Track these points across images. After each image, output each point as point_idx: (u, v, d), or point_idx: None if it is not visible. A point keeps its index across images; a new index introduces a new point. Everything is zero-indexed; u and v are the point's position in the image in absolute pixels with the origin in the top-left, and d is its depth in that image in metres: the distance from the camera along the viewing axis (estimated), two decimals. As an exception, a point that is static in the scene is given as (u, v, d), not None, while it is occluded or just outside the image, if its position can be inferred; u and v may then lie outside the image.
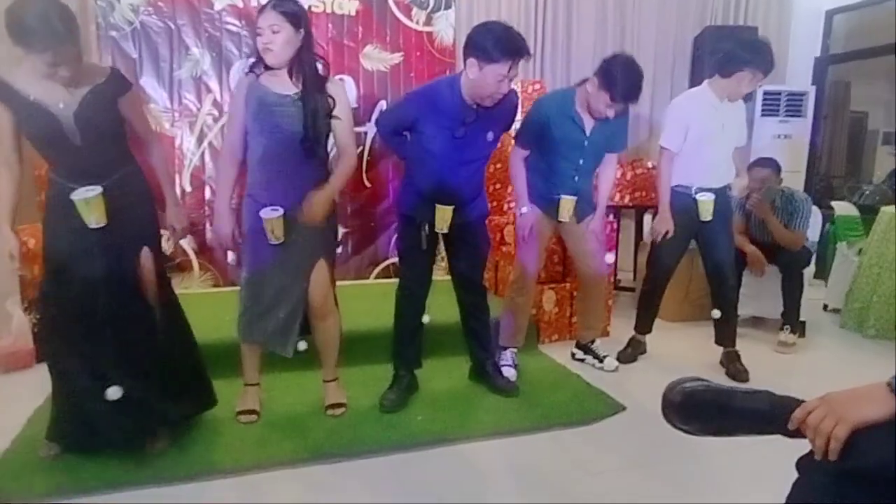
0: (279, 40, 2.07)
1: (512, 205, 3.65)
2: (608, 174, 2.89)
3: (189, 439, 2.24)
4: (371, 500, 1.95)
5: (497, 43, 2.18)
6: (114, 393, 1.99)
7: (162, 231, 2.20)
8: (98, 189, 1.92)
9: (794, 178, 4.40)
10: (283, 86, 2.15)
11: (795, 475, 1.05)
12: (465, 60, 2.28)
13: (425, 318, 2.62)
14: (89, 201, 1.90)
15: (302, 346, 2.33)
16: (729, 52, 2.78)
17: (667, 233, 2.91)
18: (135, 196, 2.06)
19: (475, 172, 2.52)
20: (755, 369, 2.95)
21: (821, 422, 0.96)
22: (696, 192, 2.87)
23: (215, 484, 2.01)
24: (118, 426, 2.05)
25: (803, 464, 1.04)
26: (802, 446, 1.02)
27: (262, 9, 2.09)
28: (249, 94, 2.14)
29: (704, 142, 2.83)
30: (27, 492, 1.92)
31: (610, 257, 2.97)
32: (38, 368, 2.83)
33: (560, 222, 2.80)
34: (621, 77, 2.49)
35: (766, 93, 4.38)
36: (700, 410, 1.16)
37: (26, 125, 1.91)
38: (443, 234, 2.51)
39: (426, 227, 2.46)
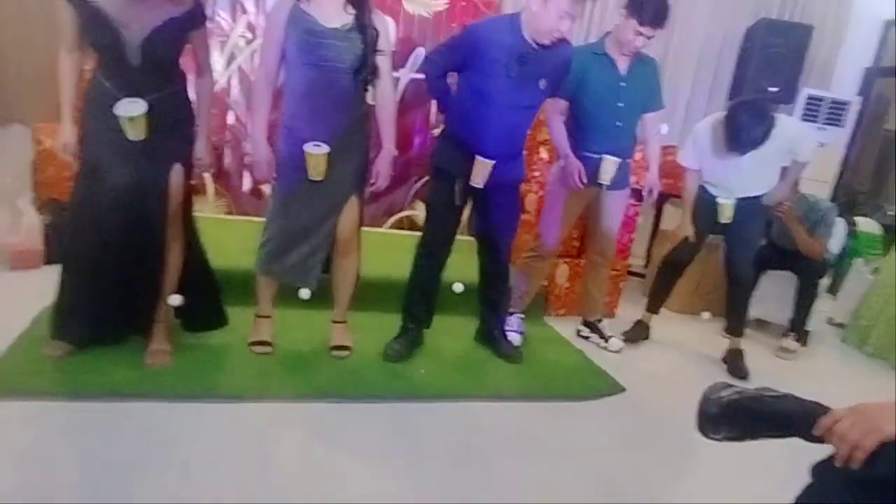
0: None
1: (536, 173, 3.60)
2: (653, 136, 2.87)
3: (194, 361, 2.25)
4: (368, 443, 1.97)
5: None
6: (174, 300, 2.08)
7: None
8: (142, 107, 1.88)
9: (820, 189, 4.32)
10: (332, 15, 2.05)
11: (784, 463, 1.05)
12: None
13: (458, 287, 2.58)
14: (133, 119, 1.87)
15: (305, 294, 2.32)
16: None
17: (686, 238, 2.99)
18: (176, 114, 2.02)
19: (521, 123, 2.43)
20: (755, 370, 2.97)
21: (849, 431, 0.96)
22: (718, 196, 2.89)
23: (213, 407, 2.02)
24: (124, 323, 2.12)
25: (819, 470, 1.04)
26: (798, 442, 1.04)
27: None
28: (292, 21, 2.02)
29: (721, 169, 2.83)
30: (28, 390, 1.93)
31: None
32: (46, 269, 2.82)
33: (599, 185, 2.72)
34: (648, 1, 2.48)
35: (809, 97, 4.27)
36: (734, 419, 1.16)
37: (89, 32, 1.86)
38: (473, 195, 2.46)
39: (460, 182, 2.40)
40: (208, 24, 3.38)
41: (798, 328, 3.37)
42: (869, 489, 0.95)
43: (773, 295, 3.48)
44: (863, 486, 0.96)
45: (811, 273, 3.33)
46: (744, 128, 2.58)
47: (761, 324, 3.63)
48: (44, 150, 3.00)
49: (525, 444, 2.12)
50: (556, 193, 2.83)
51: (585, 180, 2.67)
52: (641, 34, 2.54)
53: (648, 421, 2.37)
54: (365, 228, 3.60)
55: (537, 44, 2.26)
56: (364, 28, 2.06)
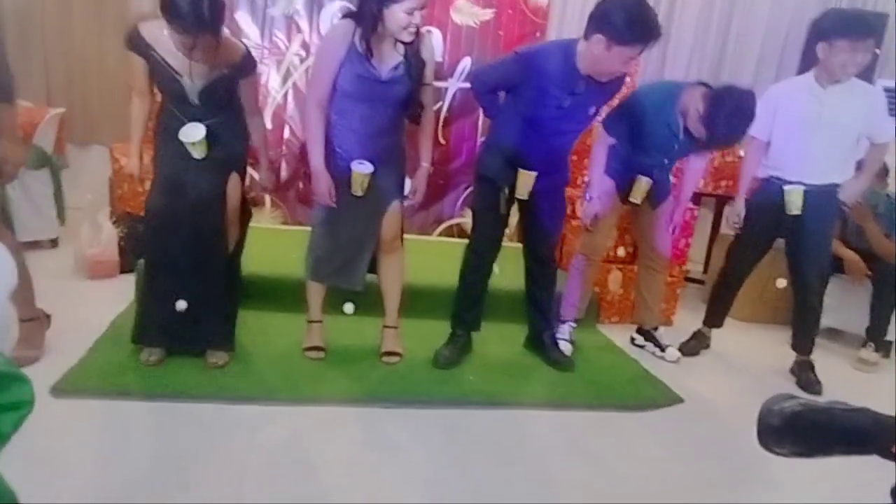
0: (420, 20, 2.04)
1: (587, 179, 3.54)
2: (697, 167, 2.79)
3: (253, 365, 2.34)
4: (418, 448, 1.99)
5: (632, 24, 2.05)
6: (180, 306, 2.18)
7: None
8: (202, 132, 2.09)
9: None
10: (385, 57, 2.13)
11: (856, 482, 0.96)
12: (588, 33, 2.14)
13: (495, 268, 2.58)
14: (195, 143, 2.09)
15: (349, 308, 2.42)
16: (817, 23, 2.54)
17: (741, 225, 2.81)
18: (232, 134, 2.22)
19: (567, 144, 2.45)
20: (829, 384, 2.77)
21: None
22: (786, 184, 2.66)
23: (271, 409, 2.09)
24: (192, 332, 2.24)
25: None
26: (874, 460, 0.95)
27: None
28: (348, 62, 2.10)
29: (797, 130, 2.60)
30: (105, 389, 2.07)
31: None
32: (122, 278, 3.01)
33: (631, 203, 2.70)
34: (725, 122, 2.29)
35: (885, 89, 3.99)
36: (799, 432, 1.07)
37: (156, 77, 2.12)
38: (519, 200, 2.46)
39: (506, 191, 2.41)
40: (266, 45, 3.60)
41: (877, 337, 3.13)
42: None
43: (850, 303, 3.25)
44: None
45: (888, 276, 3.09)
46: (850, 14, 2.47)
47: (834, 333, 3.39)
48: (120, 169, 3.22)
49: (576, 452, 2.08)
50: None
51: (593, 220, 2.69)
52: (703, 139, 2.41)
53: (707, 433, 2.27)
54: (415, 236, 3.72)
55: (592, 78, 2.23)
56: (412, 68, 2.15)
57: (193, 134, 2.08)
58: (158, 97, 2.22)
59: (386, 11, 2.00)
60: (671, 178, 2.81)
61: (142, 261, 2.43)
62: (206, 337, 2.29)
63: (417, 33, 2.10)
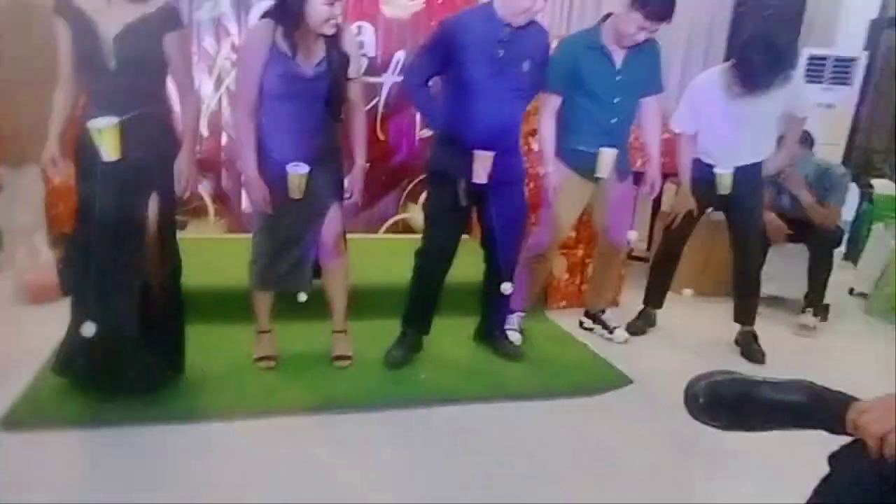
0: (341, 11, 2.02)
1: (529, 167, 3.54)
2: (652, 124, 2.71)
3: (202, 381, 2.30)
4: (374, 452, 2.00)
5: None
6: (87, 329, 2.00)
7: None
8: (114, 120, 1.90)
9: (831, 151, 4.17)
10: (307, 53, 2.10)
11: (800, 455, 0.99)
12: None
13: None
14: (102, 130, 1.89)
15: (302, 297, 2.33)
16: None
17: (689, 212, 2.86)
18: (155, 138, 2.03)
19: (512, 110, 2.39)
20: (773, 352, 2.87)
21: (874, 425, 0.89)
22: (715, 167, 2.75)
23: (226, 426, 2.08)
24: (96, 358, 2.10)
25: (836, 460, 1.00)
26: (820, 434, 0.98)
27: None
28: (271, 61, 2.07)
29: (719, 125, 2.71)
30: (52, 418, 2.03)
31: (633, 234, 2.80)
32: (63, 302, 2.89)
33: (597, 180, 2.63)
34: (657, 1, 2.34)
35: (811, 57, 4.12)
36: (726, 405, 1.09)
37: (76, 41, 1.92)
38: (478, 196, 2.41)
39: (463, 182, 2.36)
40: (195, 50, 3.49)
41: (815, 303, 3.24)
42: (888, 479, 0.90)
43: (789, 270, 3.36)
44: (881, 477, 0.91)
45: (824, 243, 3.21)
46: (761, 64, 2.43)
47: (776, 301, 3.50)
48: (54, 188, 3.11)
49: (532, 442, 2.11)
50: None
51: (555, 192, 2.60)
52: (645, 28, 2.40)
53: (659, 412, 2.31)
54: (360, 235, 3.69)
55: (513, 26, 2.25)
56: (335, 63, 2.12)
57: (102, 121, 1.87)
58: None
59: (306, 5, 1.98)
60: (627, 150, 2.75)
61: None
62: (122, 364, 2.15)
63: (338, 26, 2.09)
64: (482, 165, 2.31)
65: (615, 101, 2.57)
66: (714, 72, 2.76)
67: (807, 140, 3.15)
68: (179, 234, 2.29)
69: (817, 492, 1.01)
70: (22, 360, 2.30)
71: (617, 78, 2.55)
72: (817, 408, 1.02)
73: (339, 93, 2.17)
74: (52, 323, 2.55)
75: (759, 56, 2.46)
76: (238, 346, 2.52)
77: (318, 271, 2.39)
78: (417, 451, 2.02)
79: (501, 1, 2.25)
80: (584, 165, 2.60)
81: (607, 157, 2.55)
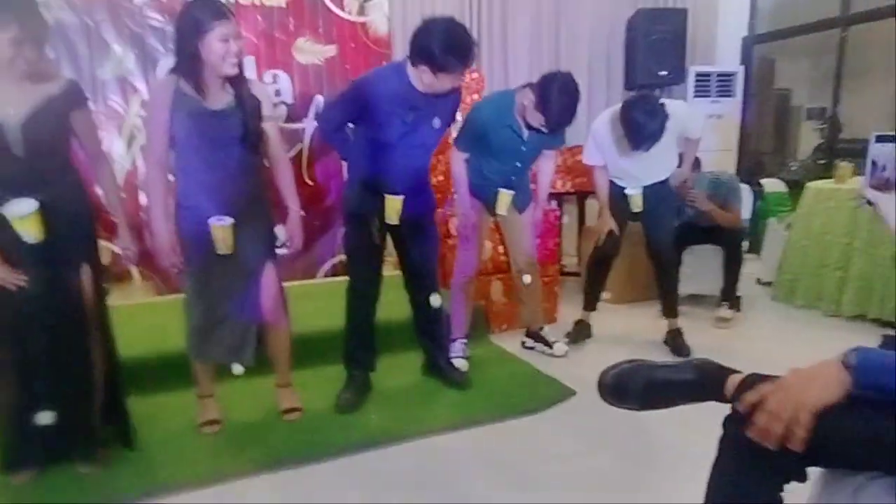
0: (238, 49, 2.00)
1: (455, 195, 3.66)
2: (547, 169, 2.99)
3: (146, 455, 2.19)
4: (336, 502, 1.96)
5: (448, 50, 2.15)
6: (44, 418, 1.92)
7: (103, 244, 2.11)
8: (34, 205, 1.80)
9: (726, 157, 4.59)
10: (213, 95, 2.06)
11: None
12: (413, 61, 2.23)
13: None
14: (24, 218, 1.79)
15: (238, 370, 2.27)
16: None
17: (611, 231, 3.09)
18: (74, 210, 1.95)
19: (422, 160, 2.51)
20: (696, 345, 3.10)
21: (777, 409, 0.96)
22: (626, 188, 3.01)
23: (173, 501, 1.97)
24: (53, 446, 2.01)
25: (727, 421, 1.10)
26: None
27: (223, 14, 1.96)
28: (176, 105, 2.02)
29: (621, 160, 2.96)
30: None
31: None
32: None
33: (499, 214, 2.86)
34: (557, 101, 2.50)
35: (697, 74, 4.53)
36: (631, 388, 1.23)
37: None
38: (391, 232, 2.51)
39: (376, 222, 2.44)
40: (101, 110, 3.38)
41: (729, 296, 3.54)
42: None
43: (703, 269, 3.64)
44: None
45: (733, 241, 3.51)
46: (641, 126, 2.67)
47: (696, 298, 3.78)
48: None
49: (488, 466, 2.15)
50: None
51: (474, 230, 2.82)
52: (546, 127, 2.60)
53: (603, 419, 2.38)
54: (299, 281, 3.66)
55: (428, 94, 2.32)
56: (244, 103, 2.09)
57: (22, 208, 1.78)
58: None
59: (201, 45, 1.96)
60: (531, 185, 3.00)
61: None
62: (78, 448, 2.07)
63: (241, 70, 2.07)
64: (393, 208, 2.40)
65: (517, 165, 2.81)
66: (607, 119, 2.97)
67: (696, 163, 3.43)
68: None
69: (718, 452, 1.11)
70: None
71: (522, 148, 2.76)
72: (706, 382, 1.18)
73: (253, 131, 2.10)
74: None
75: (637, 116, 2.68)
76: (180, 413, 2.42)
77: (259, 336, 2.30)
78: (381, 492, 2.01)
79: (416, 78, 2.27)
80: (487, 202, 2.84)
81: (504, 198, 2.79)
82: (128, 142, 3.48)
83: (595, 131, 3.03)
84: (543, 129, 2.63)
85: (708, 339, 3.25)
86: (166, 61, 3.40)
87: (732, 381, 1.13)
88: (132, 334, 2.41)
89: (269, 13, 3.62)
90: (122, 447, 2.19)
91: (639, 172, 3.00)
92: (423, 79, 2.24)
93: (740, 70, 4.64)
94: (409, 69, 2.28)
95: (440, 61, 2.17)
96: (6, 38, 1.70)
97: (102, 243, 2.15)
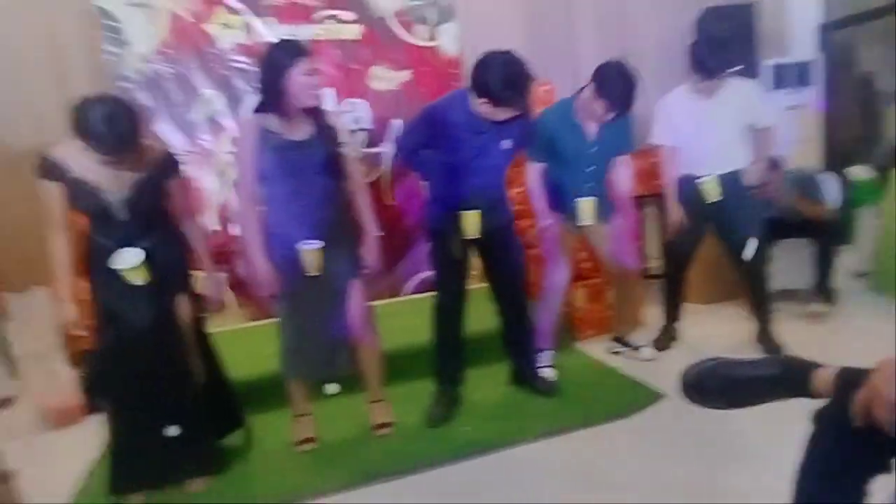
0: (318, 82, 2.16)
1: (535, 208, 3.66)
2: (623, 177, 2.91)
3: (245, 472, 2.32)
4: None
5: (504, 85, 2.21)
6: (173, 430, 2.09)
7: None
8: (140, 256, 2.00)
9: (810, 148, 4.38)
10: (296, 129, 2.20)
11: None
12: (473, 93, 2.30)
13: (333, 388, 2.58)
14: (132, 269, 2.00)
15: (332, 389, 2.39)
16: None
17: (680, 223, 2.99)
18: (172, 248, 2.15)
19: (495, 177, 2.55)
20: (790, 343, 2.95)
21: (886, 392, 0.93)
22: (698, 178, 2.91)
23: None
24: (176, 463, 2.17)
25: (819, 417, 1.07)
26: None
27: (304, 51, 2.13)
28: (262, 141, 2.17)
29: (690, 134, 2.89)
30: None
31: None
32: (89, 421, 2.89)
33: (581, 226, 2.83)
34: (614, 85, 2.50)
35: (775, 66, 4.37)
36: (713, 386, 1.21)
37: (76, 202, 1.99)
38: (475, 246, 2.55)
39: (456, 238, 2.50)
40: (194, 150, 3.64)
41: (823, 290, 3.36)
42: (872, 433, 0.96)
43: (793, 263, 3.47)
44: (856, 430, 0.98)
45: (825, 233, 3.34)
46: (706, 49, 2.69)
47: (787, 293, 3.58)
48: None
49: (578, 474, 2.14)
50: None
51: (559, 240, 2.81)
52: (611, 113, 2.56)
53: (693, 422, 2.35)
54: (385, 300, 3.76)
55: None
56: (324, 132, 2.23)
57: (129, 260, 1.98)
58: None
59: (285, 81, 2.10)
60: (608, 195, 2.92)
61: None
62: (186, 467, 2.23)
63: (319, 99, 2.21)
64: (470, 223, 2.47)
65: (589, 170, 2.76)
66: (677, 90, 2.98)
67: (777, 165, 3.28)
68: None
69: (806, 449, 1.08)
70: (52, 489, 2.30)
71: (591, 150, 2.73)
72: (791, 377, 1.13)
73: (334, 158, 2.24)
74: (81, 444, 2.60)
75: (705, 45, 2.72)
76: (277, 432, 2.54)
77: (350, 352, 2.40)
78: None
79: (478, 108, 2.31)
80: (569, 215, 2.80)
81: (586, 207, 2.75)
82: (219, 177, 3.72)
83: (663, 101, 2.98)
84: (608, 118, 2.59)
85: (801, 336, 3.09)
86: (251, 99, 3.64)
87: (822, 377, 1.09)
88: (230, 358, 2.55)
89: (345, 46, 3.79)
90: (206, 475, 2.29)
91: (707, 148, 2.86)
92: (482, 110, 2.31)
93: (818, 58, 4.44)
94: (471, 96, 2.35)
95: (497, 95, 2.24)
96: (103, 159, 1.92)
97: (202, 273, 2.33)
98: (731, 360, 1.23)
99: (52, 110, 3.64)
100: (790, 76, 4.37)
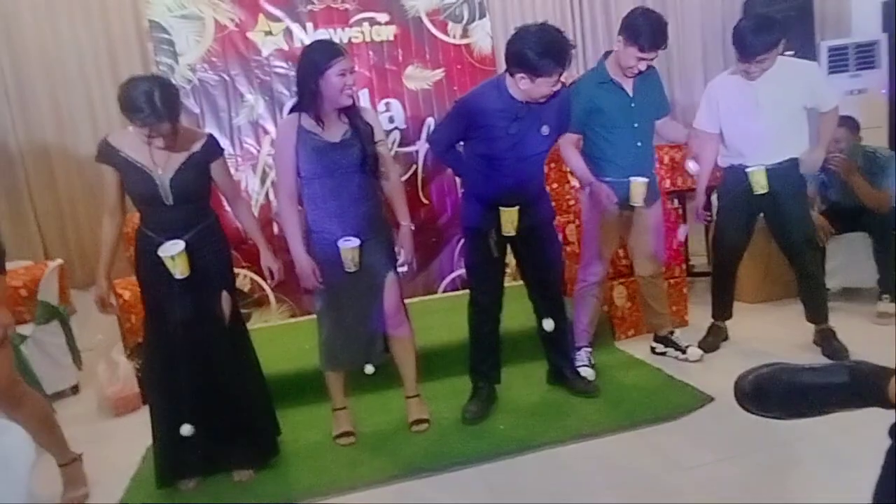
0: (353, 82, 2.19)
1: (571, 202, 3.60)
2: (675, 133, 2.87)
3: (286, 465, 2.36)
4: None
5: (543, 55, 2.17)
6: (187, 431, 2.16)
7: (244, 273, 2.37)
8: (181, 245, 2.09)
9: (876, 134, 4.09)
10: (332, 128, 2.25)
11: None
12: (510, 70, 2.27)
13: (547, 325, 2.58)
14: (175, 257, 2.08)
15: (369, 369, 2.39)
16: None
17: (709, 214, 2.89)
18: (213, 245, 2.22)
19: (534, 170, 2.50)
20: (854, 345, 2.76)
21: None
22: (747, 168, 2.73)
23: (314, 505, 2.10)
24: (206, 454, 2.25)
25: None
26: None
27: (339, 52, 2.18)
28: (301, 142, 2.23)
29: (740, 119, 2.75)
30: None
31: (682, 231, 2.92)
32: (145, 410, 3.04)
33: (631, 208, 2.70)
34: (645, 26, 2.47)
35: (830, 49, 4.11)
36: (774, 395, 1.11)
37: (129, 184, 2.14)
38: (511, 243, 2.51)
39: (494, 235, 2.46)
40: (237, 153, 3.76)
41: (889, 287, 3.11)
42: None
43: (855, 259, 3.26)
44: None
45: (883, 226, 3.11)
46: (748, 30, 2.55)
47: (849, 292, 3.37)
48: (125, 302, 3.33)
49: (617, 477, 2.07)
50: (592, 221, 2.80)
51: (616, 200, 2.63)
52: (643, 59, 2.52)
53: (742, 426, 2.21)
54: (420, 298, 3.78)
55: (529, 102, 2.33)
56: (360, 131, 2.26)
57: (172, 248, 2.08)
58: (129, 219, 2.24)
59: (321, 81, 2.15)
60: (656, 175, 2.85)
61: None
62: (231, 458, 2.30)
63: (354, 99, 2.24)
64: (509, 220, 2.41)
65: (635, 125, 2.68)
66: (724, 74, 2.86)
67: (852, 126, 3.10)
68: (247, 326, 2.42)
69: (885, 466, 0.98)
70: (112, 474, 2.41)
71: (632, 105, 2.66)
72: (862, 385, 1.02)
73: (371, 157, 2.27)
74: (139, 432, 2.66)
75: (746, 24, 2.59)
76: (316, 425, 2.58)
77: (386, 344, 2.44)
78: (509, 502, 2.00)
79: (515, 88, 2.29)
80: (617, 196, 2.64)
81: (640, 187, 2.62)
82: (261, 179, 3.83)
83: (710, 85, 2.87)
84: (641, 66, 2.52)
85: (867, 338, 2.88)
86: (291, 103, 3.73)
87: None
88: (271, 354, 2.62)
89: (379, 47, 3.85)
90: (271, 455, 2.37)
91: (758, 136, 2.70)
92: (521, 86, 2.26)
93: (883, 38, 4.15)
94: (508, 80, 2.31)
95: (536, 65, 2.18)
96: (141, 133, 2.04)
97: (243, 271, 2.40)
98: (794, 365, 1.12)
99: (113, 117, 3.89)
100: (850, 58, 4.10)
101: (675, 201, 3.52)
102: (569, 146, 2.70)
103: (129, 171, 2.11)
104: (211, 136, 2.26)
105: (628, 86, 2.65)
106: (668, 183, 3.77)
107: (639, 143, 2.69)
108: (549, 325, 2.57)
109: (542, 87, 2.25)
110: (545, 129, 2.41)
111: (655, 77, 2.75)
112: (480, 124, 2.36)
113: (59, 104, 4.02)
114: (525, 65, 2.20)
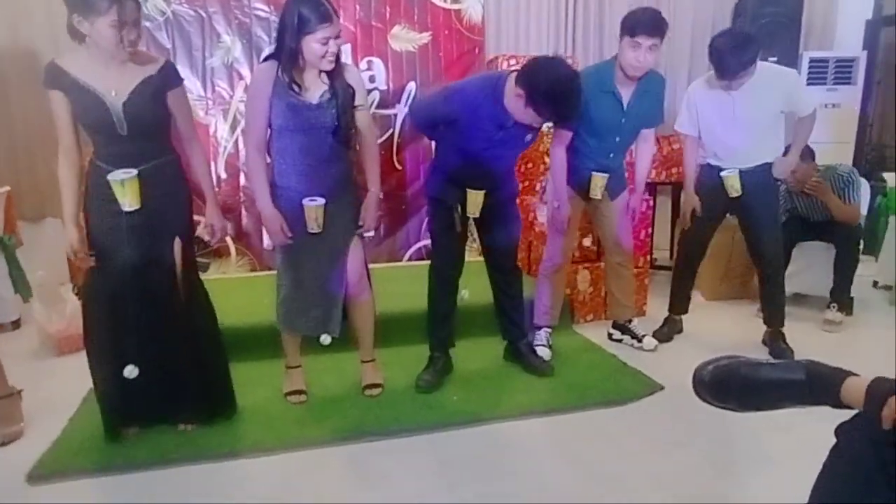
0: (337, 48, 2.08)
1: (545, 184, 3.60)
2: (646, 151, 2.85)
3: (234, 418, 2.32)
4: (408, 478, 1.99)
5: (557, 105, 2.18)
6: (130, 372, 2.04)
7: (199, 221, 2.25)
8: (133, 172, 1.94)
9: (842, 149, 4.21)
10: (311, 87, 2.14)
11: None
12: (517, 85, 2.20)
13: (464, 293, 2.61)
14: (124, 182, 1.93)
15: (326, 340, 2.33)
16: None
17: (693, 211, 2.91)
18: (170, 185, 2.08)
19: (507, 164, 2.52)
20: (800, 348, 2.86)
21: None
22: (722, 170, 2.79)
23: (259, 461, 2.08)
24: (152, 403, 2.17)
25: (843, 430, 1.02)
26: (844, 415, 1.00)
27: (328, 17, 2.02)
28: (276, 95, 2.11)
29: (717, 125, 2.78)
30: (84, 467, 2.03)
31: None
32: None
33: (590, 200, 2.76)
34: (636, 13, 2.52)
35: (811, 60, 4.18)
36: (730, 387, 1.15)
37: (80, 111, 1.95)
38: (474, 218, 2.51)
39: (458, 209, 2.45)
40: (209, 95, 3.61)
41: (841, 298, 3.24)
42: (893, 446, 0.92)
43: (811, 267, 3.36)
44: (887, 444, 0.94)
45: (848, 239, 3.22)
46: (726, 49, 2.54)
47: (800, 298, 3.49)
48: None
49: (565, 457, 2.10)
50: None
51: (565, 228, 2.75)
52: (639, 45, 2.48)
53: (689, 416, 2.30)
54: (385, 264, 3.74)
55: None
56: (339, 93, 2.16)
57: (122, 174, 1.92)
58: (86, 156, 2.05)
59: (301, 44, 2.04)
60: (625, 168, 2.88)
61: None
62: (180, 411, 2.23)
63: (338, 62, 2.14)
64: (474, 203, 2.42)
65: (617, 139, 2.70)
66: (702, 79, 2.86)
67: (807, 154, 3.12)
68: (203, 276, 2.31)
69: (828, 462, 1.03)
70: (51, 413, 2.33)
71: (622, 120, 2.66)
72: (817, 384, 1.07)
73: (346, 122, 2.18)
74: (81, 373, 2.53)
75: (723, 42, 2.57)
76: (267, 381, 2.54)
77: (345, 313, 2.38)
78: (456, 473, 2.01)
79: (510, 102, 2.24)
80: (580, 186, 2.73)
81: (599, 181, 2.68)
82: (231, 126, 3.70)
83: (690, 91, 2.88)
84: (640, 58, 2.48)
85: (812, 343, 3.00)
86: (270, 49, 3.58)
87: (854, 386, 1.02)
88: (227, 306, 2.53)
89: (366, 2, 3.73)
90: (225, 412, 2.31)
91: (734, 143, 2.75)
92: (518, 105, 2.22)
93: (862, 56, 4.23)
94: (507, 90, 2.25)
95: (544, 110, 2.20)
96: (107, 22, 1.81)
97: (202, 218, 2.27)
98: (753, 360, 1.16)
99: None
100: (829, 72, 4.18)
101: (646, 193, 3.55)
102: (561, 148, 2.67)
103: (80, 96, 1.91)
104: (169, 62, 2.09)
105: (627, 95, 2.63)
106: (663, 175, 3.82)
107: (611, 155, 2.72)
108: (464, 295, 2.61)
109: (532, 117, 2.25)
110: (528, 137, 2.40)
111: (659, 88, 2.72)
112: (466, 122, 2.31)
113: (18, 26, 3.75)
114: (536, 105, 2.19)
